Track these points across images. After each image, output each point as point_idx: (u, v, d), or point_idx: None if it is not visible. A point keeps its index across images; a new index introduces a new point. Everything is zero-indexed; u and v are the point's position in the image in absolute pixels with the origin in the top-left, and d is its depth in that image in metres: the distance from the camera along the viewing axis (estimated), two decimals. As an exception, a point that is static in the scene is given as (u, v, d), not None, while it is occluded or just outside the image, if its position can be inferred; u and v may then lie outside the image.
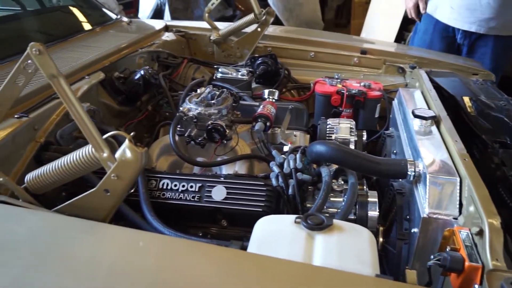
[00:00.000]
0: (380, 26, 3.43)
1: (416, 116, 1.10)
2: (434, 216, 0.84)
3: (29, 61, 0.61)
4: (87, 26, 1.60)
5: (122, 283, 0.54)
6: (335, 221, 0.74)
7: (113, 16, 1.81)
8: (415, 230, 0.89)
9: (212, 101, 1.16)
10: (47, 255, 0.59)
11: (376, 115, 1.53)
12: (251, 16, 1.70)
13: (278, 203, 0.99)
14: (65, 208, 0.69)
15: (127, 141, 0.62)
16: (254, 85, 1.67)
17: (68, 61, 1.23)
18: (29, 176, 0.72)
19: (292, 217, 0.77)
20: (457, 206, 0.84)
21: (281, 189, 1.00)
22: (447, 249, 0.74)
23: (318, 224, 0.73)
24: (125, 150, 0.62)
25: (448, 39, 2.08)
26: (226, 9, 3.20)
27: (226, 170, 1.15)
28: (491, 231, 0.70)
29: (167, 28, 1.83)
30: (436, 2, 2.07)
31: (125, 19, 1.80)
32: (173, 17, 3.04)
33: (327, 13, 5.63)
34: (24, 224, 0.65)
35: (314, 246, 0.69)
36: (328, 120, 1.33)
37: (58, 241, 0.62)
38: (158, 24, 1.82)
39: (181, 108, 1.15)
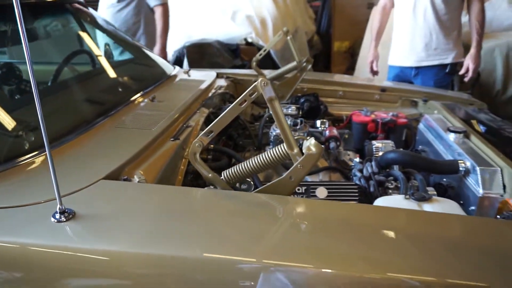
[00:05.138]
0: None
1: (451, 131, 1.49)
2: (487, 195, 1.21)
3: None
4: (166, 75, 1.93)
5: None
6: (432, 195, 1.08)
7: (172, 68, 2.15)
8: (472, 208, 1.25)
9: (297, 127, 1.51)
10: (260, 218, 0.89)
11: (403, 138, 1.92)
12: (293, 64, 2.09)
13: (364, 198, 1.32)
14: (260, 190, 0.99)
15: (312, 140, 0.94)
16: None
17: (178, 99, 1.56)
18: (225, 172, 1.02)
19: (400, 196, 1.10)
20: (502, 187, 1.21)
21: (365, 188, 1.33)
22: (504, 213, 1.10)
23: (422, 197, 1.07)
24: (311, 146, 0.94)
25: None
26: (235, 60, 3.62)
27: (311, 179, 1.48)
28: (535, 195, 1.07)
29: (217, 75, 2.18)
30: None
31: (184, 69, 2.15)
32: (190, 66, 3.42)
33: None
34: (237, 203, 0.95)
35: (424, 208, 1.03)
36: (372, 141, 1.70)
37: (262, 210, 0.92)
38: (210, 73, 2.18)
39: (274, 133, 1.49)
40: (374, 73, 2.91)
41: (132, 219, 0.86)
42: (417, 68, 2.67)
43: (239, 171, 1.01)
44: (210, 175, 1.00)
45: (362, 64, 4.21)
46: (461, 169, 1.30)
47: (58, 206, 0.84)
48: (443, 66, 2.63)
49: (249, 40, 3.78)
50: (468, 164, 1.30)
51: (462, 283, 0.73)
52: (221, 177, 1.02)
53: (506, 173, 1.22)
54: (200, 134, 0.99)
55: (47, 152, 0.79)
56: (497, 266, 0.76)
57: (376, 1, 5.32)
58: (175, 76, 2.02)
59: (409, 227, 0.89)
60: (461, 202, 1.31)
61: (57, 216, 0.84)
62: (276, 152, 0.98)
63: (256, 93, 0.94)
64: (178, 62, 3.42)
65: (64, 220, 0.84)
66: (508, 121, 1.80)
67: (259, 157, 1.00)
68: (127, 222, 0.85)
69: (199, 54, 3.47)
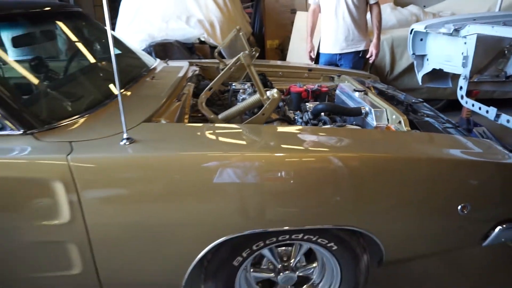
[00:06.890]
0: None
1: (356, 91, 1.98)
2: (379, 125, 1.70)
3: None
4: (152, 64, 2.22)
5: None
6: (345, 124, 1.54)
7: (154, 59, 2.44)
8: (370, 134, 1.73)
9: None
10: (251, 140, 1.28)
11: (326, 101, 2.39)
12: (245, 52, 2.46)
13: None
14: (243, 123, 1.37)
15: (275, 89, 1.34)
16: (251, 93, 2.43)
17: (170, 78, 1.87)
18: (221, 114, 1.39)
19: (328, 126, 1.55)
20: (386, 120, 1.71)
21: (305, 129, 1.77)
22: (388, 133, 1.59)
23: (339, 125, 1.52)
24: (274, 94, 1.34)
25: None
26: (192, 56, 3.92)
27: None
28: (404, 121, 1.57)
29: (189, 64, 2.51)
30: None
31: (163, 60, 2.45)
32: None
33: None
34: (229, 130, 1.32)
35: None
36: (306, 103, 2.15)
37: (244, 132, 1.31)
38: (183, 62, 2.49)
39: (241, 98, 1.88)
40: (312, 59, 3.38)
41: (170, 140, 1.22)
42: (340, 54, 3.21)
43: (230, 112, 1.39)
44: (212, 116, 1.37)
45: (291, 58, 4.69)
46: (363, 112, 1.78)
47: (125, 135, 1.17)
48: (358, 52, 3.21)
49: (202, 39, 4.08)
50: (367, 108, 1.78)
51: (379, 155, 1.17)
52: (219, 117, 1.40)
53: (388, 112, 1.71)
54: (205, 90, 1.35)
55: (119, 99, 1.11)
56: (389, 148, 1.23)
57: (297, 8, 5.84)
58: (158, 65, 2.32)
59: (327, 132, 1.33)
60: (364, 133, 1.80)
61: (125, 141, 1.17)
62: (253, 99, 1.37)
63: (239, 61, 1.32)
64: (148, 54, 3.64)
65: (129, 143, 1.17)
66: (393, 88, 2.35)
67: (241, 103, 1.38)
68: (168, 142, 1.20)
69: (163, 51, 3.72)
